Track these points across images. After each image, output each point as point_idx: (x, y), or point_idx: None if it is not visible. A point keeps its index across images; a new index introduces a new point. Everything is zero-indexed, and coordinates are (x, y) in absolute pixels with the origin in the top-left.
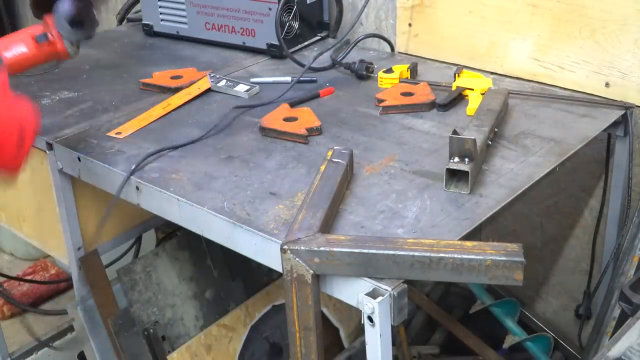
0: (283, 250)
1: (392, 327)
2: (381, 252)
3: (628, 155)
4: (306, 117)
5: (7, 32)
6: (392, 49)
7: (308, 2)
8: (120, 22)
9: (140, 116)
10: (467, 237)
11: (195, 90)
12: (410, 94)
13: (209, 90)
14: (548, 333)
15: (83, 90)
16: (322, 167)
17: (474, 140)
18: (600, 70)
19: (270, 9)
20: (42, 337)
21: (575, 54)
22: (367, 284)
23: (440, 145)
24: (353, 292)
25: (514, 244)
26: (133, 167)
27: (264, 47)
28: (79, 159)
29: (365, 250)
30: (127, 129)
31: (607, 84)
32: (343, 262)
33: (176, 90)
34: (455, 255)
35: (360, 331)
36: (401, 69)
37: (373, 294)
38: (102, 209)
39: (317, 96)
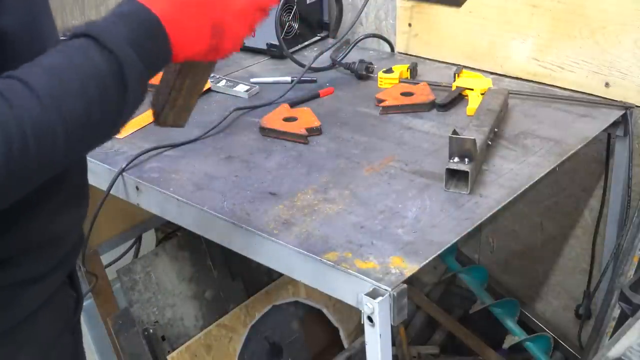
0: None
1: (392, 327)
2: None
3: (628, 155)
4: (306, 117)
5: None
6: (392, 49)
7: (308, 2)
8: None
9: (140, 116)
10: (467, 237)
11: None
12: (410, 94)
13: (209, 90)
14: (548, 333)
15: None
16: None
17: (474, 140)
18: (600, 70)
19: None
20: None
21: (575, 54)
22: (367, 284)
23: (440, 145)
24: (353, 292)
25: None
26: (125, 164)
27: (264, 47)
28: None
29: None
30: (126, 129)
31: (607, 84)
32: None
33: None
34: None
35: (360, 331)
36: (401, 69)
37: (373, 294)
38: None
39: (317, 96)
